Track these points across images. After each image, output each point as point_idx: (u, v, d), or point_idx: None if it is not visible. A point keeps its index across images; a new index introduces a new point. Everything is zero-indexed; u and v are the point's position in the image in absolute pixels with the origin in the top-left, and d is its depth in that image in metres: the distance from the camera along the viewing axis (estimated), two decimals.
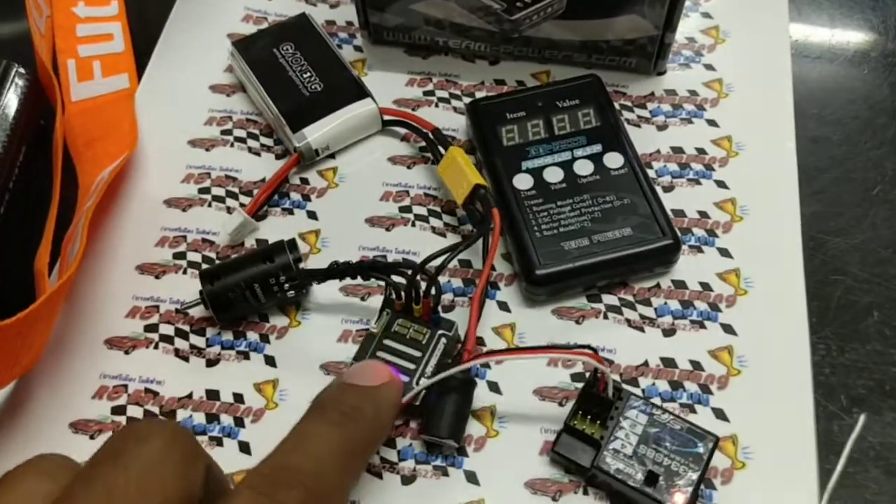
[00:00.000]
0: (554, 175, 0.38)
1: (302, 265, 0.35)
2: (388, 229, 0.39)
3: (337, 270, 0.34)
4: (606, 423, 0.31)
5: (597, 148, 0.39)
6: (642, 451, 0.31)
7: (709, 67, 0.44)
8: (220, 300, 0.34)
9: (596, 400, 0.32)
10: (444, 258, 0.33)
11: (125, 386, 0.35)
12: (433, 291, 0.33)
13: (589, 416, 0.32)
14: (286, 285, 0.35)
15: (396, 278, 0.34)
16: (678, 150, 0.41)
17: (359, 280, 0.37)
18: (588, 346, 0.31)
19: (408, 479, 0.32)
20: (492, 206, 0.35)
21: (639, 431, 0.31)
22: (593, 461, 0.31)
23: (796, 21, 0.46)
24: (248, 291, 0.34)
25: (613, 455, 0.31)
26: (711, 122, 0.42)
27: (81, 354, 0.36)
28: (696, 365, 0.35)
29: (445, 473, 0.33)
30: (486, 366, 0.35)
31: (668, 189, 0.40)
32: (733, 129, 0.41)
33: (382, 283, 0.37)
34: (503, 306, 0.37)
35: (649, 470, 0.30)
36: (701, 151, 0.41)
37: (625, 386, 0.33)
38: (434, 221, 0.39)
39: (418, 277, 0.33)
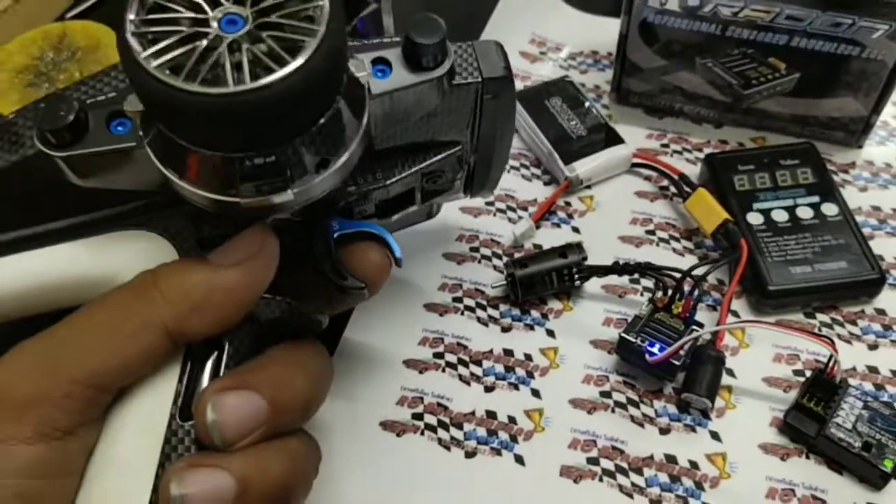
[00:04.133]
0: (780, 216, 0.48)
1: None
2: (636, 246, 0.50)
3: (618, 267, 0.45)
4: (829, 404, 0.41)
5: (815, 199, 0.48)
6: (859, 427, 0.40)
7: None
8: (525, 281, 0.45)
9: (823, 384, 0.41)
10: (707, 269, 0.44)
11: (441, 339, 0.46)
12: (696, 293, 0.43)
13: (815, 399, 0.41)
14: (575, 276, 0.45)
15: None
16: (876, 209, 0.51)
17: (620, 282, 0.47)
18: (828, 338, 0.40)
19: (664, 431, 0.42)
20: (739, 236, 0.45)
21: (856, 413, 0.40)
22: (818, 431, 0.40)
23: None
24: (546, 277, 0.45)
25: (837, 427, 0.40)
26: None
27: (407, 313, 0.47)
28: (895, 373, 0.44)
29: (693, 430, 0.42)
30: (723, 352, 0.44)
31: (870, 238, 0.49)
32: None
33: (638, 286, 0.48)
34: (735, 314, 0.46)
35: (865, 440, 0.39)
36: None
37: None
38: (674, 244, 0.50)
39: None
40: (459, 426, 0.43)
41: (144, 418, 0.29)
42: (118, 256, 0.31)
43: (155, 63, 0.25)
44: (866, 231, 0.49)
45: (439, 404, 0.43)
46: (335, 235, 0.35)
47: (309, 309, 0.33)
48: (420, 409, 0.43)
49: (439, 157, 0.37)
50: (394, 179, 0.36)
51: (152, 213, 0.32)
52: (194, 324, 0.29)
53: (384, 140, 0.35)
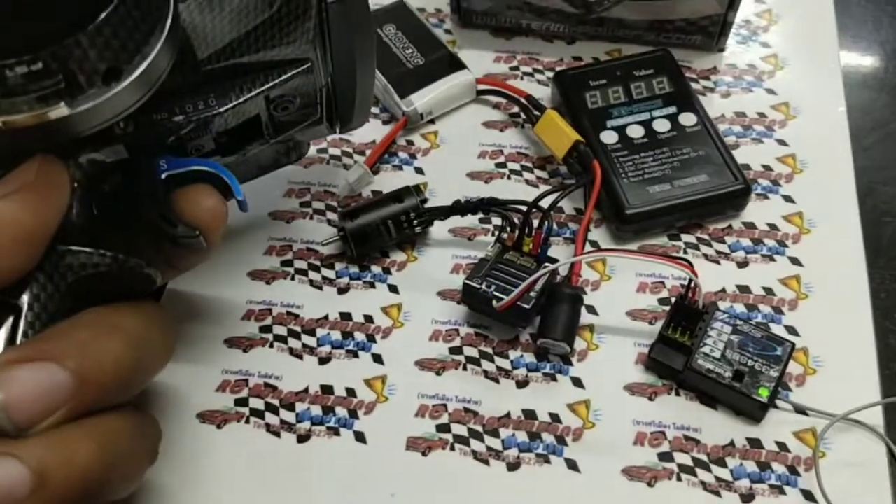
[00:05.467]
0: (636, 131, 0.43)
1: None
2: (486, 182, 0.45)
3: (459, 207, 0.40)
4: (696, 332, 0.36)
5: (672, 109, 0.44)
6: (729, 355, 0.36)
7: (765, 45, 0.50)
8: (359, 235, 0.40)
9: (687, 311, 0.37)
10: (556, 197, 0.39)
11: (269, 310, 0.40)
12: (545, 226, 0.38)
13: (680, 328, 0.37)
14: (414, 222, 0.40)
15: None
16: (741, 115, 0.46)
17: (469, 223, 0.42)
18: (686, 259, 0.36)
19: (521, 384, 0.37)
20: (592, 158, 0.41)
21: (724, 339, 0.36)
22: (686, 364, 0.36)
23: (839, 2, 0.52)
24: (382, 227, 0.40)
25: (704, 358, 0.36)
26: (770, 91, 0.47)
27: (230, 284, 0.41)
28: (769, 291, 0.40)
29: (554, 379, 0.38)
30: (583, 291, 0.40)
31: (734, 147, 0.45)
32: (790, 96, 0.47)
33: (489, 226, 0.42)
34: (594, 244, 0.42)
35: (736, 369, 0.35)
36: (761, 115, 0.46)
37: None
38: (527, 175, 0.45)
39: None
40: (290, 407, 0.37)
41: None
42: None
43: None
44: (731, 140, 0.45)
45: (267, 385, 0.38)
46: (163, 176, 0.30)
47: (131, 263, 0.28)
48: (244, 393, 0.37)
49: (283, 77, 0.32)
50: (230, 105, 0.31)
51: None
52: None
53: (213, 57, 0.30)
